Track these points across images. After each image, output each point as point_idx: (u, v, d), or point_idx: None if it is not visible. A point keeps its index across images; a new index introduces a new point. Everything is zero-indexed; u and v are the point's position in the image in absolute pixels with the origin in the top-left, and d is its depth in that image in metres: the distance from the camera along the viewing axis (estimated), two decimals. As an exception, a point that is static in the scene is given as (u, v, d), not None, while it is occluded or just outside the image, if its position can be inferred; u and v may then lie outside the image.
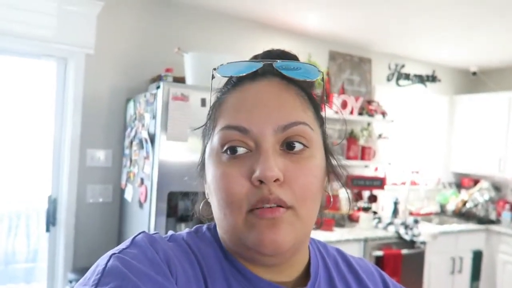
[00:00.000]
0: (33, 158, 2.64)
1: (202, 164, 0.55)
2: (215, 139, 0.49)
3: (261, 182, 0.45)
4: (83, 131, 2.52)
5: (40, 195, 2.60)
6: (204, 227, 0.57)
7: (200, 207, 0.58)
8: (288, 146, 0.47)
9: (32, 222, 2.79)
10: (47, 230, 2.55)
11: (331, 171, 0.55)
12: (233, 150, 0.47)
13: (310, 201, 0.48)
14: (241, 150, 0.47)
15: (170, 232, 0.54)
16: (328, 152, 0.54)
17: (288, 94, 0.50)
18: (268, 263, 0.50)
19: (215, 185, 0.48)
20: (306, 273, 0.55)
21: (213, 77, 0.52)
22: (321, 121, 0.54)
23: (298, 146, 0.47)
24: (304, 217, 0.47)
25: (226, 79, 0.53)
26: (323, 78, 0.52)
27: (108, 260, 0.43)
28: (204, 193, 0.57)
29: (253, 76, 0.51)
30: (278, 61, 0.50)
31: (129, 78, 2.64)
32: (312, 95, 0.53)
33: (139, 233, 0.49)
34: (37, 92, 2.60)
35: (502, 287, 3.53)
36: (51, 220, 2.54)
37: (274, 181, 0.45)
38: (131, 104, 2.49)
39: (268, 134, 0.47)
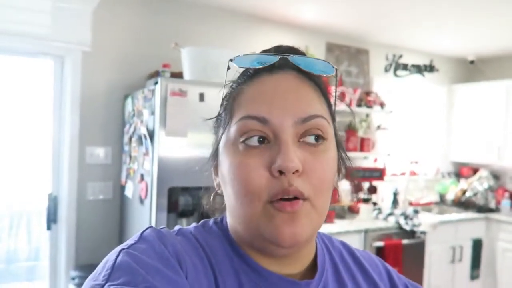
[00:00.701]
0: (33, 157, 2.64)
1: (215, 155, 0.54)
2: (233, 129, 0.49)
3: (280, 173, 0.45)
4: (82, 128, 2.52)
5: (40, 194, 2.61)
6: (211, 221, 0.57)
7: (211, 199, 0.58)
8: (306, 138, 0.48)
9: (33, 221, 2.80)
10: (48, 228, 2.55)
11: (341, 165, 0.56)
12: (251, 139, 0.47)
13: (325, 193, 0.49)
14: (260, 140, 0.47)
15: (178, 227, 0.54)
16: (339, 146, 0.55)
17: (306, 87, 0.51)
18: (280, 254, 0.50)
19: (233, 174, 0.48)
20: (313, 266, 0.55)
21: (228, 68, 0.52)
22: (333, 116, 0.55)
23: (316, 139, 0.48)
24: (319, 208, 0.48)
25: (238, 72, 0.54)
26: (336, 74, 0.52)
27: (118, 256, 0.43)
28: (215, 186, 0.57)
29: (270, 69, 0.51)
30: (294, 55, 0.51)
31: (127, 74, 2.64)
32: (325, 91, 0.54)
33: (147, 228, 0.49)
34: (35, 90, 2.60)
35: (502, 275, 3.56)
36: (52, 218, 2.55)
37: (294, 172, 0.45)
38: (129, 100, 2.48)
39: (288, 125, 0.47)
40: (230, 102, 0.52)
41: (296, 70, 0.51)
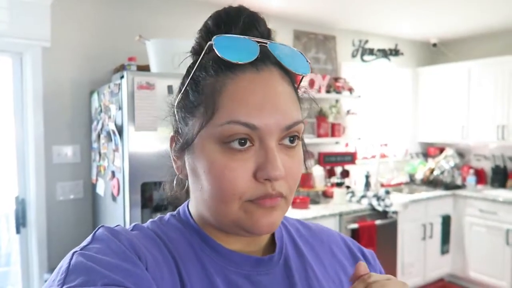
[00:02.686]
0: (-4, 159, 2.53)
1: (185, 144, 0.51)
2: (218, 130, 0.47)
3: (266, 179, 0.47)
4: (47, 127, 2.43)
5: (6, 197, 2.51)
6: (167, 215, 0.57)
7: (174, 183, 0.58)
8: (284, 140, 0.49)
9: (1, 225, 2.70)
10: (18, 232, 2.47)
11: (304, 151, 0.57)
12: (236, 142, 0.47)
13: (296, 188, 0.52)
14: (245, 144, 0.47)
15: (133, 223, 0.54)
16: (302, 139, 0.56)
17: (286, 87, 0.51)
18: (247, 236, 0.52)
19: (213, 174, 0.47)
20: (271, 242, 0.58)
21: (208, 51, 0.49)
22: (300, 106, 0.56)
23: (295, 142, 0.50)
24: (290, 202, 0.52)
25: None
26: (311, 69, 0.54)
27: (71, 259, 0.42)
28: (175, 169, 0.56)
29: (254, 62, 0.48)
30: (273, 42, 0.50)
31: (91, 69, 2.56)
32: (294, 81, 0.54)
33: (99, 228, 0.48)
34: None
35: (470, 247, 3.74)
36: (20, 222, 2.46)
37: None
38: (95, 96, 2.41)
39: (275, 132, 0.48)
40: (211, 96, 0.48)
41: (277, 65, 0.51)
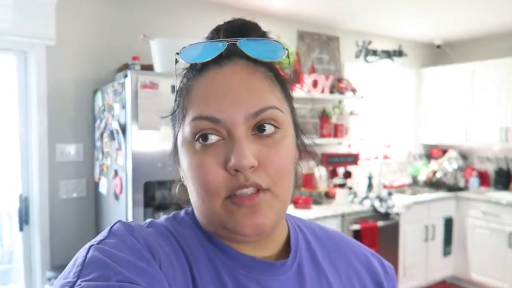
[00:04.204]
0: (0, 157, 2.54)
1: (175, 150, 0.55)
2: (187, 129, 0.49)
3: (236, 170, 0.46)
4: (51, 126, 2.44)
5: (10, 195, 2.52)
6: (182, 212, 0.57)
7: (177, 190, 0.58)
8: (259, 129, 0.48)
9: (4, 223, 2.71)
10: (21, 229, 2.48)
11: (301, 146, 0.56)
12: (205, 138, 0.47)
13: (285, 180, 0.49)
14: (213, 138, 0.47)
15: (149, 219, 0.54)
16: (297, 128, 0.55)
17: (256, 77, 0.50)
18: (248, 241, 0.51)
19: (191, 173, 0.49)
20: (287, 246, 0.56)
21: (176, 61, 0.51)
22: (289, 98, 0.54)
23: (269, 129, 0.48)
24: (281, 196, 0.49)
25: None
26: (288, 55, 0.52)
27: (88, 252, 0.42)
28: (180, 177, 0.57)
29: (219, 60, 0.50)
30: (242, 39, 0.50)
31: (95, 68, 2.56)
32: (278, 72, 0.53)
33: (116, 223, 0.48)
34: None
35: (472, 249, 3.72)
36: (24, 219, 2.47)
37: (250, 168, 0.46)
38: (98, 95, 2.42)
39: (240, 122, 0.47)
40: (182, 99, 0.51)
41: (245, 57, 0.50)
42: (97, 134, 2.43)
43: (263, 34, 0.54)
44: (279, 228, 0.55)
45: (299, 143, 0.55)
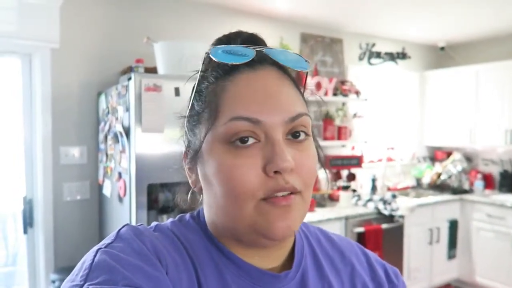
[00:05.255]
0: (4, 160, 2.55)
1: (193, 154, 0.53)
2: (222, 129, 0.48)
3: (275, 172, 0.46)
4: (55, 128, 2.45)
5: (14, 197, 2.53)
6: (187, 215, 0.57)
7: (188, 198, 0.58)
8: (293, 135, 0.49)
9: (8, 225, 2.72)
10: (25, 232, 2.49)
11: (319, 155, 0.57)
12: (242, 140, 0.47)
13: (312, 184, 0.51)
14: (251, 141, 0.47)
15: (155, 223, 0.54)
16: (314, 138, 0.56)
17: (287, 84, 0.51)
18: (269, 245, 0.51)
19: (223, 175, 0.47)
20: (292, 254, 0.56)
21: (204, 60, 0.51)
22: (307, 106, 0.56)
23: (302, 136, 0.50)
24: (307, 200, 0.50)
25: (208, 63, 0.52)
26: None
27: (95, 255, 0.42)
28: (188, 183, 0.56)
29: (251, 64, 0.50)
30: (269, 47, 0.51)
31: (99, 71, 2.57)
32: (296, 82, 0.55)
33: (123, 226, 0.48)
34: (3, 91, 2.50)
35: (477, 253, 3.70)
36: (28, 222, 2.48)
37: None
38: (102, 97, 2.43)
39: (279, 125, 0.47)
40: (213, 100, 0.50)
41: (275, 65, 0.51)
42: (101, 136, 2.44)
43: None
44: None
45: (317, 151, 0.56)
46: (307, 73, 0.55)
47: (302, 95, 0.54)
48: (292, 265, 0.54)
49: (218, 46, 0.50)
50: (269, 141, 0.47)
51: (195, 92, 0.53)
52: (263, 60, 0.51)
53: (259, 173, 0.46)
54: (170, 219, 0.56)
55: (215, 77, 0.51)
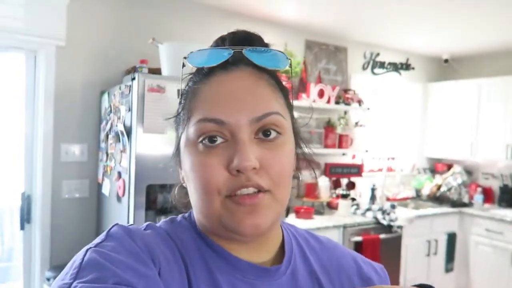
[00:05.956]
0: (4, 154, 2.56)
1: (177, 152, 0.56)
2: (192, 130, 0.50)
3: (238, 171, 0.47)
4: (56, 125, 2.45)
5: (13, 192, 2.53)
6: (179, 216, 0.59)
7: (176, 192, 0.60)
8: (263, 134, 0.50)
9: (5, 220, 2.71)
10: (22, 228, 2.48)
11: (301, 155, 0.58)
12: (210, 140, 0.49)
13: (285, 183, 0.51)
14: (217, 140, 0.49)
15: (147, 223, 0.55)
16: (297, 136, 0.57)
17: (261, 84, 0.52)
18: (246, 240, 0.52)
19: (193, 173, 0.50)
20: (281, 251, 0.58)
21: (183, 65, 0.53)
22: (290, 107, 0.57)
23: (272, 134, 0.50)
24: (280, 199, 0.51)
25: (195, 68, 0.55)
26: (290, 65, 0.55)
27: (85, 254, 0.43)
28: (180, 180, 0.59)
29: (225, 65, 0.52)
30: (249, 48, 0.52)
31: (103, 70, 2.58)
32: (281, 82, 0.56)
33: (113, 226, 0.49)
34: (6, 86, 2.51)
35: (475, 267, 3.68)
36: (25, 218, 2.48)
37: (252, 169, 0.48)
38: (105, 96, 2.43)
39: (244, 125, 0.49)
40: (187, 102, 0.53)
41: (251, 65, 0.52)
42: (102, 135, 2.44)
43: (266, 45, 0.56)
44: (274, 231, 0.57)
45: (299, 152, 0.57)
46: (291, 72, 0.56)
47: (286, 94, 0.55)
48: (282, 261, 0.56)
49: (195, 51, 0.52)
50: (234, 140, 0.48)
51: (180, 96, 0.56)
52: (239, 61, 0.52)
53: (223, 171, 0.48)
54: (162, 220, 0.58)
55: (194, 80, 0.54)
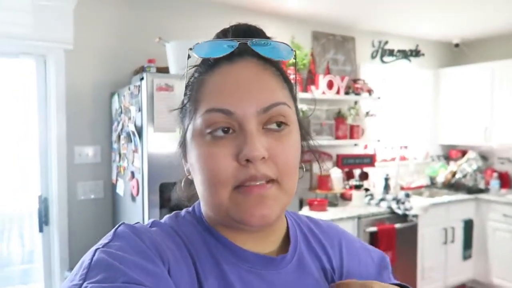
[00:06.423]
0: (20, 159, 2.60)
1: (183, 144, 0.56)
2: (199, 121, 0.50)
3: (247, 161, 0.47)
4: (69, 128, 2.49)
5: (30, 196, 2.58)
6: (183, 211, 0.59)
7: (182, 185, 0.60)
8: (270, 124, 0.50)
9: (25, 224, 2.77)
10: (40, 230, 2.53)
11: (305, 148, 0.58)
12: (217, 131, 0.49)
13: (292, 174, 0.51)
14: (225, 130, 0.49)
15: (151, 220, 0.56)
16: (302, 128, 0.57)
17: (266, 74, 0.52)
18: (254, 231, 0.53)
19: (201, 164, 0.50)
20: (286, 241, 0.58)
21: (189, 56, 0.54)
22: (295, 99, 0.57)
23: (279, 125, 0.50)
24: (287, 189, 0.51)
25: (200, 59, 0.55)
26: (295, 57, 0.55)
27: (93, 255, 0.43)
28: (185, 172, 0.59)
29: (230, 57, 0.52)
30: (253, 40, 0.52)
31: (112, 71, 2.60)
32: (285, 73, 0.56)
33: (119, 225, 0.49)
34: (18, 92, 2.55)
35: (493, 253, 3.63)
36: (43, 220, 2.52)
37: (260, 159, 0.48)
38: (115, 98, 2.45)
39: (252, 115, 0.49)
40: (193, 93, 0.53)
41: (256, 56, 0.52)
42: (114, 136, 2.47)
43: (268, 38, 0.56)
44: (280, 222, 0.57)
45: (304, 144, 0.57)
46: (296, 64, 0.56)
47: (290, 86, 0.56)
48: (288, 249, 0.56)
49: (200, 42, 0.53)
50: (242, 131, 0.48)
51: (185, 87, 0.57)
52: (244, 52, 0.52)
53: (232, 162, 0.48)
54: (166, 216, 0.58)
55: (199, 72, 0.54)
